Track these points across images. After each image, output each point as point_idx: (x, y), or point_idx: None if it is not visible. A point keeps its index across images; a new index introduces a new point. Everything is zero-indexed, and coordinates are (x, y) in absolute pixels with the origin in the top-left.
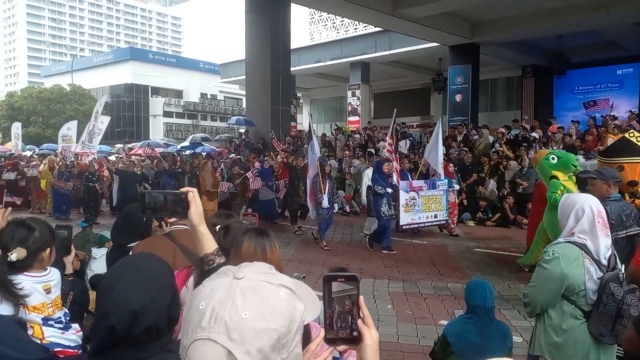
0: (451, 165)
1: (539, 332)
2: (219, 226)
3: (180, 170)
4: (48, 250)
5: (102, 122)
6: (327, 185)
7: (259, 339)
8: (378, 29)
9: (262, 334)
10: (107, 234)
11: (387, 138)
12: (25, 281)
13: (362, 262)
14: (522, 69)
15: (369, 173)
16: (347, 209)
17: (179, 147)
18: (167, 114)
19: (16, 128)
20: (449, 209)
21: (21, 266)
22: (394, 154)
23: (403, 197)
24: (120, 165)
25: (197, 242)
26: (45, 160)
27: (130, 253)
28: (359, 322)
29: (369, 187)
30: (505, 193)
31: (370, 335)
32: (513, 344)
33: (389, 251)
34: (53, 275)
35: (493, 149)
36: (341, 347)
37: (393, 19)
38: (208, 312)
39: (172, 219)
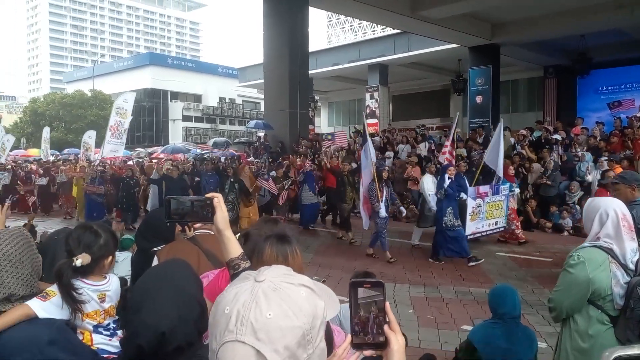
0: (511, 167)
1: (565, 337)
2: (238, 234)
3: (223, 172)
4: (110, 257)
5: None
6: (385, 192)
7: (285, 337)
8: (396, 30)
9: (288, 332)
10: (130, 237)
11: (447, 143)
12: (84, 288)
13: (382, 267)
14: (544, 69)
15: (426, 180)
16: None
17: (198, 151)
18: (186, 118)
19: (46, 133)
20: (509, 215)
21: (82, 271)
22: (453, 160)
23: (470, 204)
24: (164, 170)
25: (223, 247)
26: (77, 166)
27: (155, 257)
28: (385, 327)
29: (429, 195)
30: (528, 196)
31: (397, 341)
32: (538, 349)
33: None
34: (111, 285)
35: (515, 151)
36: (368, 352)
37: (412, 21)
38: (234, 316)
39: (198, 224)
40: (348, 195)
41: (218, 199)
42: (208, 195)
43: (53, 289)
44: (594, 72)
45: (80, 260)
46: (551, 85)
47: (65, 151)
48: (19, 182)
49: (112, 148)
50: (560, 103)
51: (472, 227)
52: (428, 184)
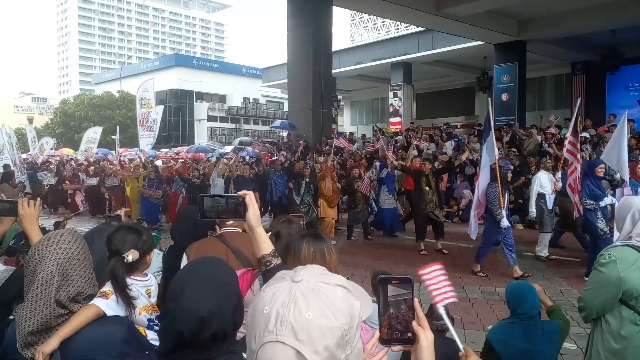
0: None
1: (597, 338)
2: (269, 233)
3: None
4: (151, 253)
5: (156, 112)
6: (506, 198)
7: (324, 337)
8: (420, 28)
9: (327, 332)
10: (155, 234)
11: (568, 135)
12: (133, 284)
13: (407, 266)
14: (572, 66)
15: (541, 177)
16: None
17: (223, 150)
18: (211, 119)
19: (93, 132)
20: None
21: (130, 268)
22: (577, 155)
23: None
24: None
25: (254, 244)
26: (131, 166)
27: (184, 255)
28: (414, 323)
29: (540, 196)
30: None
31: (426, 337)
32: (561, 345)
33: None
34: (152, 281)
35: (542, 150)
36: (396, 348)
37: (437, 18)
38: (273, 316)
39: (230, 222)
40: (428, 198)
41: (250, 197)
42: (240, 193)
43: (108, 287)
44: (623, 68)
45: (131, 256)
46: (579, 82)
47: (94, 151)
48: (66, 181)
49: (146, 142)
50: (588, 100)
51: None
52: (543, 181)
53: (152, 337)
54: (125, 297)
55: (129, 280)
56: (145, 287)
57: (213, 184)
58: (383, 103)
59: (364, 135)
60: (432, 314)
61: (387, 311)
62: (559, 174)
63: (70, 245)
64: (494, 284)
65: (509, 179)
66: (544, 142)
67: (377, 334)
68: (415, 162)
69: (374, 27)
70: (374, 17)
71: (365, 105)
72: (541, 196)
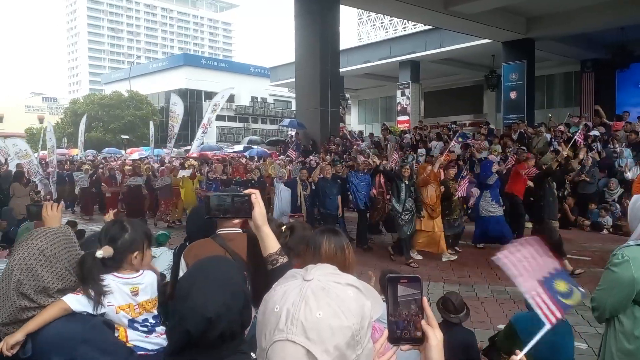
0: None
1: (610, 339)
2: (284, 227)
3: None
4: (137, 253)
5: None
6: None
7: (335, 336)
8: (428, 27)
9: (338, 332)
10: (165, 233)
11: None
12: (112, 281)
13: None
14: (581, 63)
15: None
16: None
17: (232, 149)
18: (219, 118)
19: (82, 125)
20: None
21: (111, 265)
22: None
23: None
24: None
25: (261, 242)
26: (187, 165)
27: (182, 259)
28: (423, 322)
29: None
30: (566, 193)
31: (435, 336)
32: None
33: None
34: (145, 279)
35: (551, 148)
36: (405, 347)
37: (445, 17)
38: (284, 315)
39: (235, 220)
40: (555, 207)
41: (255, 195)
42: (246, 191)
43: None
44: (633, 65)
45: (101, 252)
46: (589, 80)
47: (104, 150)
48: (102, 183)
49: (197, 144)
50: (598, 98)
51: None
52: None
53: (135, 338)
54: (89, 291)
55: (107, 277)
56: (129, 284)
57: (278, 187)
58: (391, 101)
59: (371, 134)
60: (446, 307)
61: (397, 310)
62: None
63: (38, 242)
64: (503, 283)
65: None
66: (553, 140)
67: (386, 332)
68: (530, 163)
69: (382, 26)
70: (382, 15)
71: (372, 103)
72: None
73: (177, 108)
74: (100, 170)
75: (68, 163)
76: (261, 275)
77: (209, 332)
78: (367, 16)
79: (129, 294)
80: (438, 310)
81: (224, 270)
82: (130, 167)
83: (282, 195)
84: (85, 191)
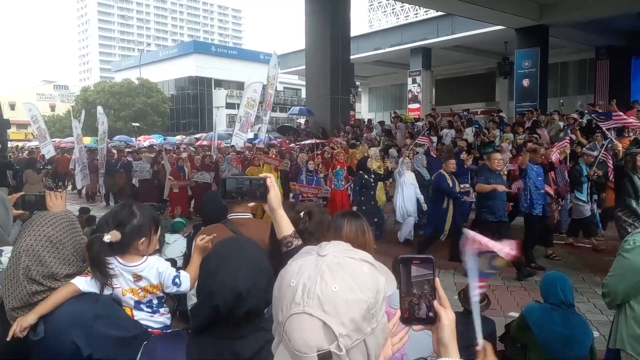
0: None
1: (621, 324)
2: (302, 212)
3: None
4: (144, 239)
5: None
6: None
7: (350, 310)
8: (440, 13)
9: (353, 305)
10: (181, 220)
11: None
12: (115, 264)
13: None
14: (596, 50)
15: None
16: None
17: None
18: (229, 106)
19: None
20: None
21: (117, 249)
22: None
23: None
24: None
25: (275, 225)
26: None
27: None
28: (435, 302)
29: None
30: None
31: (447, 316)
32: (594, 339)
33: None
34: (146, 266)
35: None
36: (417, 327)
37: (456, 3)
38: (300, 288)
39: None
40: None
41: (270, 179)
42: (261, 175)
43: None
44: None
45: (108, 236)
46: (603, 67)
47: (116, 138)
48: (169, 176)
49: (239, 141)
50: (612, 85)
51: None
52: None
53: (142, 317)
54: (98, 274)
55: (113, 260)
56: (130, 271)
57: (400, 182)
58: (402, 89)
59: (382, 122)
60: (466, 296)
61: (410, 291)
62: None
63: (44, 228)
64: (514, 271)
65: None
66: (565, 127)
67: (398, 313)
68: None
69: (393, 12)
70: (393, 1)
71: (383, 91)
72: None
73: (256, 95)
74: (160, 160)
75: (125, 152)
76: (279, 260)
77: (237, 308)
78: (378, 2)
79: (131, 280)
80: (460, 300)
81: (250, 249)
82: (200, 157)
83: (405, 192)
84: (146, 183)
